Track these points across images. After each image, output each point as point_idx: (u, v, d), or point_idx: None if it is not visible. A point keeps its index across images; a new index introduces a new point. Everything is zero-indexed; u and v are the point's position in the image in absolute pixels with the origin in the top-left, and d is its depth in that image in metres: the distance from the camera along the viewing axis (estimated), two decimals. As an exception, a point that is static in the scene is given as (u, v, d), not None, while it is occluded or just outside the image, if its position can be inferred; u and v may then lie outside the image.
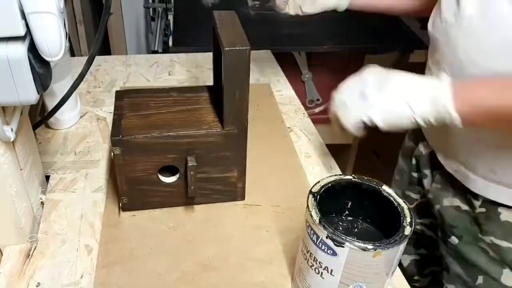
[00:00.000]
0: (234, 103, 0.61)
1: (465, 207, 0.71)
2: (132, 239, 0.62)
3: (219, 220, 0.66)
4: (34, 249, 0.60)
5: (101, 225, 0.64)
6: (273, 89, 0.97)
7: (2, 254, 0.60)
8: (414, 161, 0.82)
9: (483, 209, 0.68)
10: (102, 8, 0.59)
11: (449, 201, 0.73)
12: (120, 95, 0.70)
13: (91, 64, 0.64)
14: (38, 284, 0.56)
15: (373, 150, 2.31)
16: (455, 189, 0.72)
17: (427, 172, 0.79)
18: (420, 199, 0.83)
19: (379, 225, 0.55)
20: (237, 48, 0.57)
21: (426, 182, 0.79)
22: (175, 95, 0.71)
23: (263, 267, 0.60)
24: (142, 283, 0.57)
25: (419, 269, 0.89)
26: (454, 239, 0.73)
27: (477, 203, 0.69)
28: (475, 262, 0.70)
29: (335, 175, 0.53)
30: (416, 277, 0.90)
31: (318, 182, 0.52)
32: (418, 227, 0.84)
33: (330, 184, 0.52)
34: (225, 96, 0.60)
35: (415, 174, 0.82)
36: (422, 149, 0.79)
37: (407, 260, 0.89)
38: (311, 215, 0.48)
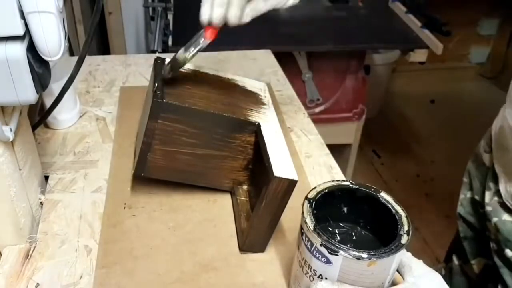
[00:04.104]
0: (262, 229, 0.59)
1: None
2: (132, 239, 0.62)
3: (219, 220, 0.66)
4: (33, 249, 0.60)
5: (100, 226, 0.64)
6: (273, 89, 0.97)
7: (1, 255, 0.60)
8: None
9: None
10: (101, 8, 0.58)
11: (509, 216, 0.73)
12: (158, 108, 0.58)
13: (80, 66, 0.63)
14: (37, 284, 0.56)
15: (374, 150, 2.31)
16: None
17: (492, 185, 0.78)
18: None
19: (378, 233, 0.53)
20: (288, 178, 0.54)
21: (488, 195, 0.79)
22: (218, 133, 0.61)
23: (263, 267, 0.60)
24: (141, 283, 0.57)
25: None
26: (508, 252, 0.72)
27: None
28: None
29: (333, 181, 0.52)
30: None
31: (315, 188, 0.51)
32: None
33: (326, 190, 0.51)
34: (254, 220, 0.58)
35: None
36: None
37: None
38: (305, 222, 0.47)
